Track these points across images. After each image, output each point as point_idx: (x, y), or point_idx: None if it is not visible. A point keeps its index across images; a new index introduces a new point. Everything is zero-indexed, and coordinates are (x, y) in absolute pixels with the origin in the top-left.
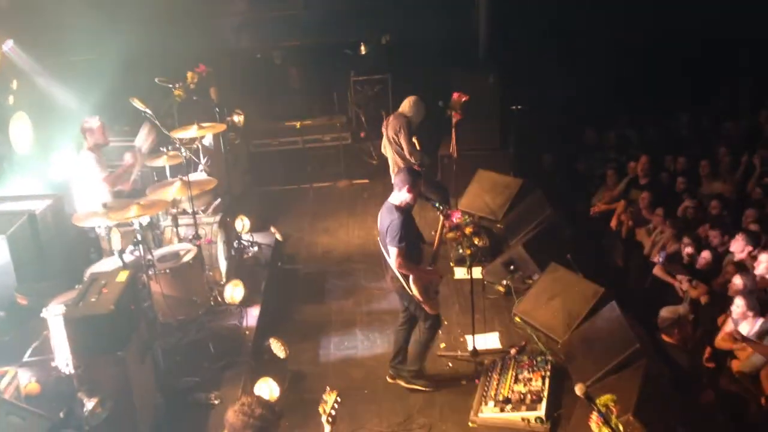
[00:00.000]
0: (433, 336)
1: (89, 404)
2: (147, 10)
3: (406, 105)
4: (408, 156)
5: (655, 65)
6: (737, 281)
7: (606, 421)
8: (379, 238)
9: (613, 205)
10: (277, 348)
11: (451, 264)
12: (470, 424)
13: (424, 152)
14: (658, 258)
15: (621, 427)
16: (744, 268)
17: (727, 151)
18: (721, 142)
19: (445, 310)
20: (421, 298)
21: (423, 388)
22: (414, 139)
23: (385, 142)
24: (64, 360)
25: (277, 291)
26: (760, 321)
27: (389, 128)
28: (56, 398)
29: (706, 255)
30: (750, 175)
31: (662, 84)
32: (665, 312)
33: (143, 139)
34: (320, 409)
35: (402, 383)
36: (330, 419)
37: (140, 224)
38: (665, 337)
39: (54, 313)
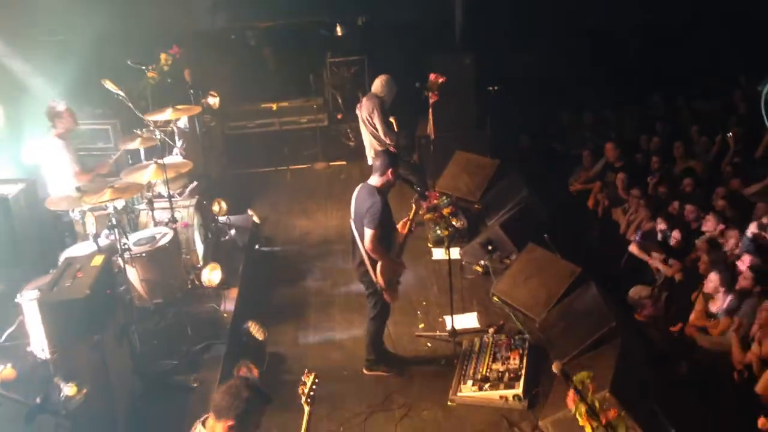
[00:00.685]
0: (381, 325)
1: (66, 389)
2: None
3: (378, 85)
4: (383, 136)
5: (631, 46)
6: (706, 258)
7: (582, 398)
8: (352, 221)
9: (590, 185)
10: (256, 330)
11: (429, 245)
12: (449, 403)
13: (402, 133)
14: (634, 237)
15: (597, 404)
16: (715, 244)
17: (698, 130)
18: (694, 121)
19: (423, 290)
20: (384, 286)
21: (384, 374)
22: (392, 120)
23: (360, 123)
24: (39, 345)
25: (255, 273)
26: (729, 297)
27: (363, 109)
28: (32, 383)
29: (676, 234)
30: (724, 154)
31: (637, 65)
32: (632, 292)
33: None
34: (299, 391)
35: (364, 371)
36: (309, 401)
37: (115, 208)
38: (637, 316)
39: (28, 298)
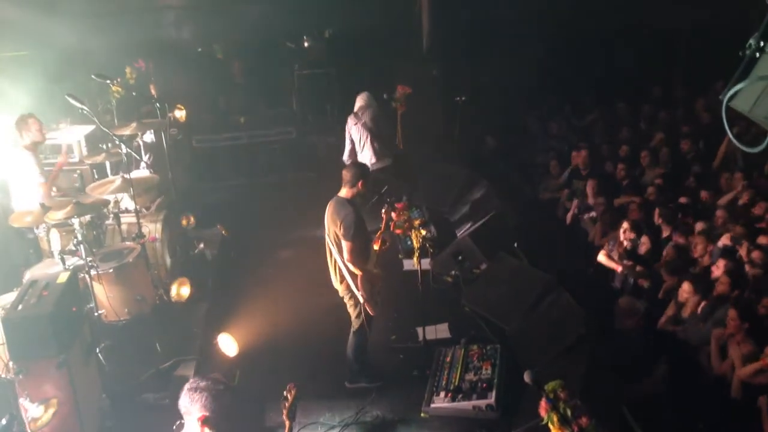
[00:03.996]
0: (363, 338)
1: (32, 410)
2: (83, 3)
3: (365, 98)
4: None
5: (596, 55)
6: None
7: (554, 407)
8: (326, 235)
9: (558, 193)
10: (227, 344)
11: (400, 256)
12: (422, 414)
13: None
14: (608, 245)
15: (569, 412)
16: (684, 251)
17: (662, 139)
18: (659, 130)
19: (395, 302)
20: (366, 297)
21: (367, 384)
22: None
23: (353, 133)
24: (4, 365)
25: (224, 287)
26: (703, 304)
27: (364, 116)
28: None
29: (645, 240)
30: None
31: (602, 73)
32: (623, 303)
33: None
34: (281, 406)
35: (347, 384)
36: (290, 415)
37: (80, 223)
38: (618, 325)
39: None
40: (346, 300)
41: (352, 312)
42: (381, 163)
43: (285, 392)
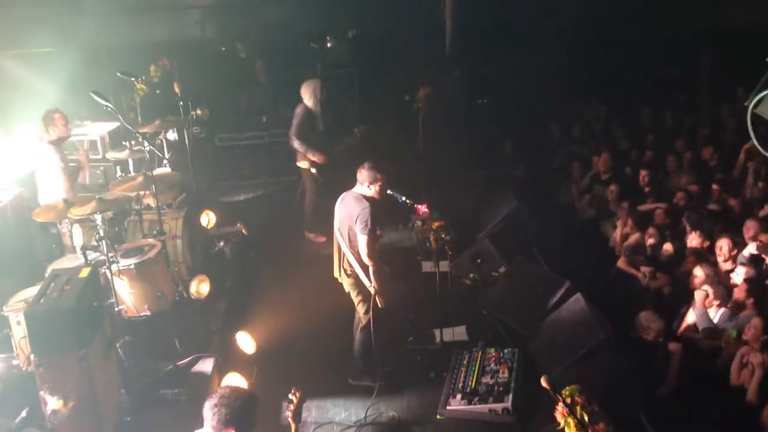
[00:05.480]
0: (370, 335)
1: (52, 403)
2: (109, 1)
3: (301, 91)
4: (290, 142)
5: (619, 59)
6: (698, 272)
7: (571, 412)
8: (337, 228)
9: (578, 197)
10: (245, 342)
11: (419, 257)
12: (438, 416)
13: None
14: (628, 250)
15: (586, 417)
16: (704, 258)
17: (685, 145)
18: (682, 136)
19: (413, 303)
20: (379, 289)
21: (370, 383)
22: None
23: None
24: (25, 358)
25: (244, 285)
26: (721, 310)
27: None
28: (18, 397)
29: (668, 247)
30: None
31: (625, 78)
32: (644, 320)
33: None
34: (286, 408)
35: (350, 381)
36: (296, 418)
37: (102, 219)
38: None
39: (14, 310)
40: (353, 295)
41: (360, 308)
42: (299, 162)
43: (290, 395)
